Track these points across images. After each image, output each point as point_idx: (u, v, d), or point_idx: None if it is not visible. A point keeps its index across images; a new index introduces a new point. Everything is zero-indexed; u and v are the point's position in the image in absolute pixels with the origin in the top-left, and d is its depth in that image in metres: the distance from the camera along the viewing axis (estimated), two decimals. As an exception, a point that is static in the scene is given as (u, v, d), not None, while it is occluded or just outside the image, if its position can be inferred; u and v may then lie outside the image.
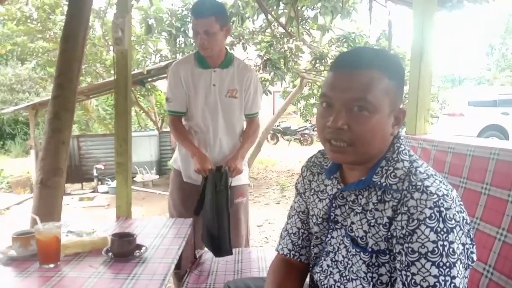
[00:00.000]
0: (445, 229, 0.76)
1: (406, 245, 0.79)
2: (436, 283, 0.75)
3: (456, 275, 0.75)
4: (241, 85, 2.05)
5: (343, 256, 0.96)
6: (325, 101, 0.90)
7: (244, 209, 2.17)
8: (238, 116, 2.11)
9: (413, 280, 0.77)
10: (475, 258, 0.83)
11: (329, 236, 1.00)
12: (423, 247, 0.76)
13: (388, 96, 0.87)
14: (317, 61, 6.16)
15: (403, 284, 0.79)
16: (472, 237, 0.83)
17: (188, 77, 2.03)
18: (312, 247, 1.07)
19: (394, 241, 0.83)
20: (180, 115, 2.12)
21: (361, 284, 0.90)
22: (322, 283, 1.01)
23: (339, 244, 0.97)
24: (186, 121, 2.13)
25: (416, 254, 0.77)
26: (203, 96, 2.03)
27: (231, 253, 1.88)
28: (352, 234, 0.93)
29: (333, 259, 0.99)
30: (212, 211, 1.91)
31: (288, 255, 1.11)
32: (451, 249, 0.75)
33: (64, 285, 1.22)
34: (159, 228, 1.80)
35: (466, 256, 0.79)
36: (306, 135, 13.21)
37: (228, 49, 2.15)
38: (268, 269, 1.14)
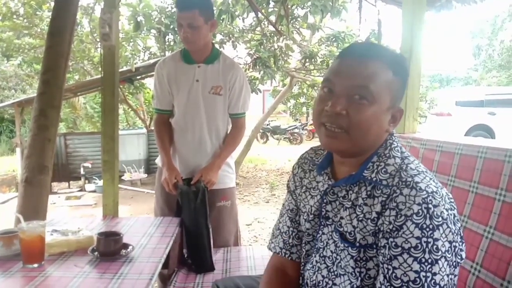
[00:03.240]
0: (431, 226, 0.76)
1: (391, 239, 0.80)
2: (416, 278, 0.75)
3: (437, 272, 0.75)
4: (226, 82, 1.98)
5: (331, 251, 0.96)
6: (327, 86, 0.90)
7: (229, 212, 2.10)
8: (222, 115, 2.03)
9: (394, 274, 0.78)
10: (463, 256, 0.83)
11: (320, 232, 1.00)
12: (406, 242, 0.77)
13: (389, 91, 0.88)
14: (307, 60, 6.18)
15: (385, 277, 0.80)
16: (462, 235, 0.83)
17: (171, 74, 2.00)
18: (303, 245, 1.07)
19: (380, 235, 0.83)
20: (164, 113, 2.09)
21: (349, 279, 0.90)
22: (311, 279, 1.01)
23: (328, 239, 0.97)
24: (171, 119, 2.11)
25: (399, 249, 0.78)
26: (186, 92, 1.98)
27: (213, 269, 1.85)
28: (341, 229, 0.92)
29: (322, 255, 0.99)
30: (190, 228, 1.89)
31: (280, 253, 1.11)
32: (435, 246, 0.75)
33: (48, 285, 1.19)
34: (146, 227, 1.78)
35: (454, 254, 0.79)
36: (295, 134, 13.24)
37: (218, 47, 2.12)
38: (261, 280, 1.12)
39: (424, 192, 0.79)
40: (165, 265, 1.58)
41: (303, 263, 1.08)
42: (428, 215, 0.76)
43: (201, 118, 2.00)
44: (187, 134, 2.03)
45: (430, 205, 0.77)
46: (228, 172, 2.10)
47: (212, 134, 2.03)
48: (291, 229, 1.11)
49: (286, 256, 1.10)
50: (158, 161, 2.15)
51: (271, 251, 1.14)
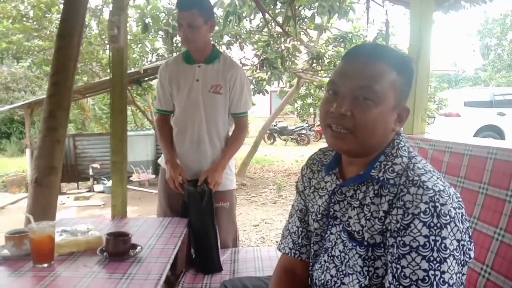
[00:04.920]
0: (438, 224, 0.76)
1: (399, 238, 0.80)
2: (425, 277, 0.75)
3: (446, 270, 0.75)
4: (226, 81, 1.99)
5: (340, 250, 0.96)
6: (332, 88, 0.91)
7: (227, 213, 2.08)
8: (223, 114, 2.03)
9: (402, 273, 0.78)
10: (472, 255, 0.83)
11: (328, 232, 1.01)
12: (414, 241, 0.77)
13: (394, 91, 0.88)
14: (314, 61, 6.16)
15: (393, 276, 0.80)
16: (470, 234, 0.83)
17: (173, 75, 2.02)
18: (312, 245, 1.07)
19: (388, 234, 0.84)
20: (165, 114, 2.11)
21: (357, 278, 0.90)
22: (319, 279, 1.01)
23: (337, 239, 0.97)
24: (172, 119, 2.12)
25: (407, 248, 0.78)
26: (186, 92, 2.00)
27: (220, 270, 1.86)
28: (349, 228, 0.93)
29: (330, 254, 0.99)
30: (197, 229, 1.91)
31: (290, 253, 1.12)
32: (443, 245, 0.75)
33: (58, 285, 1.21)
34: (154, 228, 1.79)
35: (462, 252, 0.79)
36: (303, 135, 13.22)
37: (225, 48, 2.13)
38: (271, 281, 1.13)
39: (431, 191, 0.79)
40: (173, 265, 1.59)
41: (311, 263, 1.08)
42: (435, 214, 0.76)
43: (201, 117, 2.00)
44: (186, 132, 2.03)
45: (437, 204, 0.77)
46: (227, 174, 2.08)
47: (212, 133, 2.03)
48: (300, 229, 1.11)
49: (296, 256, 1.11)
50: (161, 161, 2.16)
51: (281, 251, 1.15)
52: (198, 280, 1.77)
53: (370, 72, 0.86)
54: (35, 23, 7.22)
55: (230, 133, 2.12)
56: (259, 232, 4.30)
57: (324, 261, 1.01)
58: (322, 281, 1.00)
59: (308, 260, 1.10)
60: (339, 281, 0.95)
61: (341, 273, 0.95)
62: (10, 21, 7.09)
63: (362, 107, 0.86)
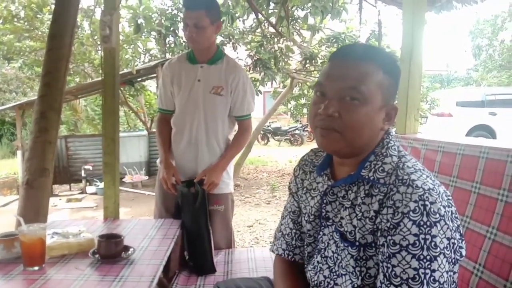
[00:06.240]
0: (428, 223, 0.76)
1: (389, 237, 0.80)
2: (416, 275, 0.75)
3: (436, 269, 0.75)
4: (228, 83, 1.97)
5: (332, 251, 0.96)
6: (319, 89, 0.92)
7: (221, 216, 2.05)
8: (222, 116, 2.00)
9: (393, 272, 0.78)
10: (463, 253, 0.83)
11: (321, 233, 1.01)
12: (404, 239, 0.77)
13: (381, 90, 0.88)
14: (307, 61, 6.17)
15: (384, 276, 0.80)
16: (461, 232, 0.83)
17: (175, 74, 2.01)
18: (305, 246, 1.07)
19: (379, 234, 0.84)
20: (167, 113, 2.10)
21: (350, 279, 0.91)
22: (313, 280, 1.01)
23: (329, 240, 0.97)
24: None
25: (397, 246, 0.78)
26: (187, 92, 1.98)
27: (214, 271, 1.84)
28: (342, 229, 0.93)
29: (323, 255, 0.99)
30: (191, 230, 1.89)
31: (283, 254, 1.12)
32: (433, 243, 0.75)
33: (49, 288, 1.19)
34: (147, 229, 1.78)
35: (453, 250, 0.79)
36: (296, 135, 13.25)
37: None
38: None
39: (421, 190, 0.79)
40: (166, 267, 1.58)
41: (306, 264, 1.08)
42: (425, 212, 0.77)
43: (199, 118, 1.98)
44: (183, 132, 2.01)
45: (426, 202, 0.77)
46: (223, 177, 2.04)
47: (210, 135, 2.00)
48: (293, 231, 1.11)
49: (289, 257, 1.11)
50: (159, 162, 2.15)
51: (274, 253, 1.15)
52: (191, 282, 1.76)
53: (356, 72, 0.87)
54: (26, 23, 7.16)
55: (231, 137, 2.10)
56: (253, 233, 4.29)
57: (317, 262, 1.01)
58: (316, 282, 1.00)
59: (302, 261, 1.10)
60: (332, 282, 0.95)
61: (334, 273, 0.95)
62: (0, 21, 7.02)
63: (349, 107, 0.86)
